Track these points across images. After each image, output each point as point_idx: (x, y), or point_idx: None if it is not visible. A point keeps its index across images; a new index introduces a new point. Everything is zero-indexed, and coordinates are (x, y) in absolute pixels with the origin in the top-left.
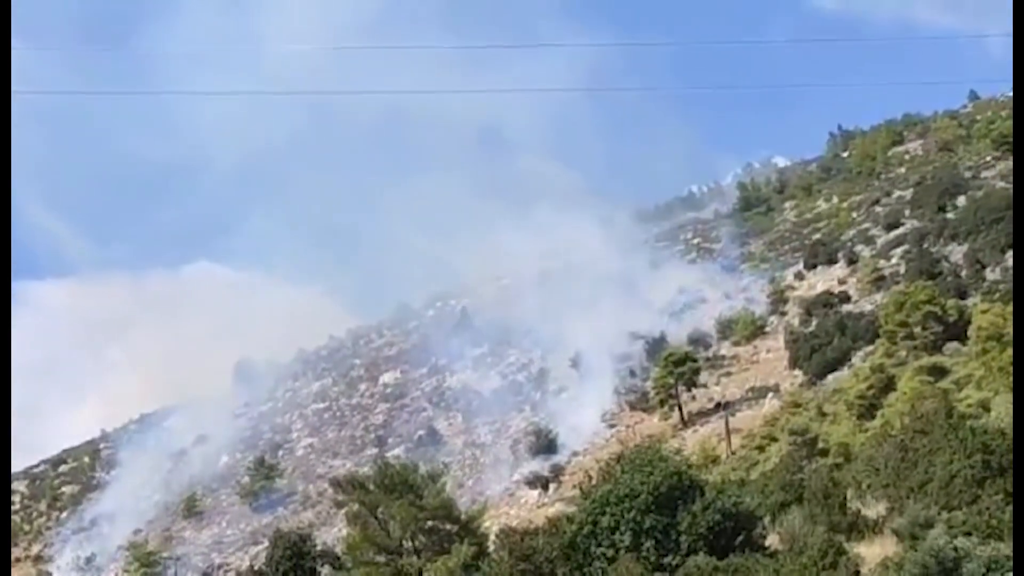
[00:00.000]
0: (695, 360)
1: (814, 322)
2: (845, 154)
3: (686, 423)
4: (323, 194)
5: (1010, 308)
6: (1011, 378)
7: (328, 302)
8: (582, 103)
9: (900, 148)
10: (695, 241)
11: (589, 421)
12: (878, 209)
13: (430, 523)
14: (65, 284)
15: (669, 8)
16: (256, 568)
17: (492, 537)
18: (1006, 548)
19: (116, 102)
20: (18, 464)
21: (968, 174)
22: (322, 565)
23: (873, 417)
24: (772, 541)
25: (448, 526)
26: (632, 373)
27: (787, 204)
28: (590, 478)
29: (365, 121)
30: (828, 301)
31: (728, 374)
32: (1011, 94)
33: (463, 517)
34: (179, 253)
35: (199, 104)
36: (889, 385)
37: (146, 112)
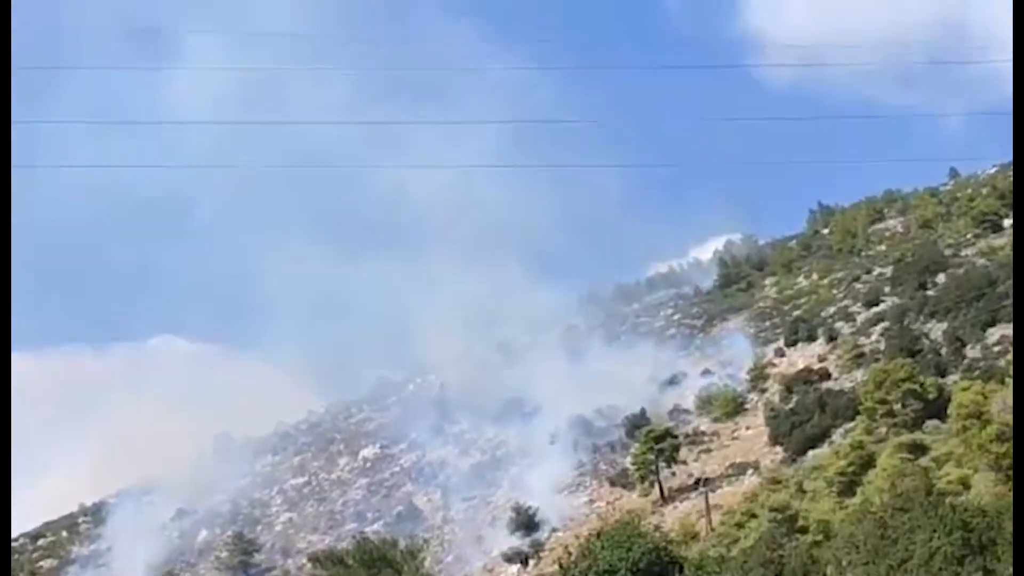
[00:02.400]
0: (675, 436)
1: (794, 399)
2: (826, 231)
3: (666, 499)
4: (272, 266)
5: (989, 385)
6: (991, 456)
7: (299, 376)
8: (546, 178)
9: (880, 225)
10: (676, 317)
11: (569, 497)
12: (858, 286)
13: None
14: (28, 358)
15: (626, 86)
16: None
17: None
18: None
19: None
20: None
21: (948, 251)
22: None
23: (853, 494)
24: None
25: None
26: (612, 449)
27: (767, 281)
28: (569, 554)
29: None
30: (808, 378)
31: (708, 451)
32: (991, 171)
33: None
34: (140, 326)
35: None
36: (869, 462)
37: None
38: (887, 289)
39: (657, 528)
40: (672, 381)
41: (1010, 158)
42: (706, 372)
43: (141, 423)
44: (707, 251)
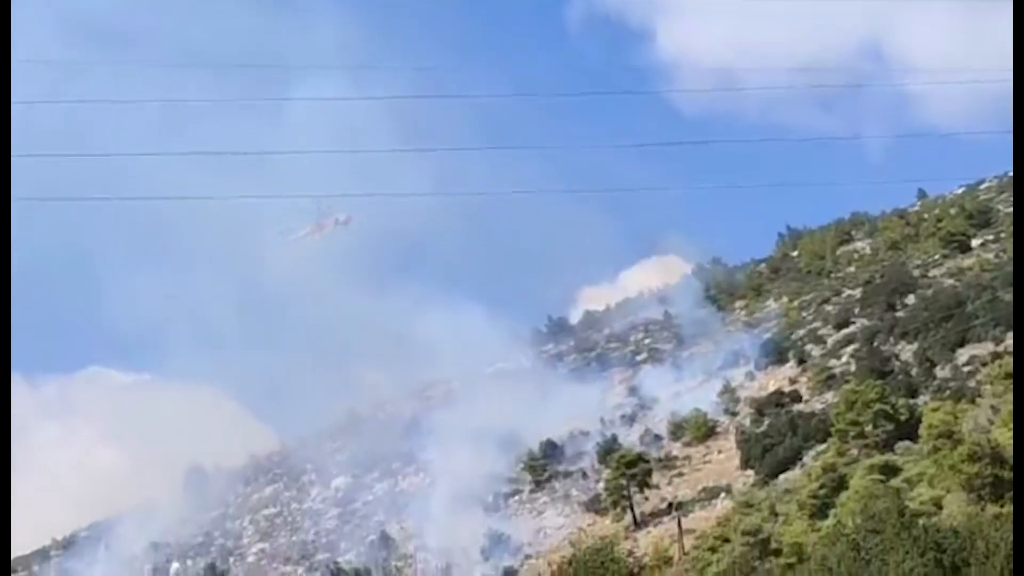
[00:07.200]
0: (647, 461)
1: (766, 422)
2: (795, 254)
3: (639, 524)
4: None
5: (960, 405)
6: (962, 477)
7: (247, 404)
8: (467, 208)
9: (848, 247)
10: (646, 342)
11: (542, 523)
12: (828, 308)
13: None
14: None
15: (536, 113)
16: None
17: None
18: None
19: None
20: None
21: (917, 272)
22: None
23: (826, 516)
24: None
25: None
26: (584, 474)
27: (737, 304)
28: None
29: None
30: (779, 401)
31: (680, 475)
32: (959, 191)
33: None
34: (65, 359)
35: None
36: (841, 484)
37: None
38: (856, 310)
39: (630, 553)
40: (643, 406)
41: (974, 178)
42: (677, 396)
43: (96, 455)
44: (640, 273)
